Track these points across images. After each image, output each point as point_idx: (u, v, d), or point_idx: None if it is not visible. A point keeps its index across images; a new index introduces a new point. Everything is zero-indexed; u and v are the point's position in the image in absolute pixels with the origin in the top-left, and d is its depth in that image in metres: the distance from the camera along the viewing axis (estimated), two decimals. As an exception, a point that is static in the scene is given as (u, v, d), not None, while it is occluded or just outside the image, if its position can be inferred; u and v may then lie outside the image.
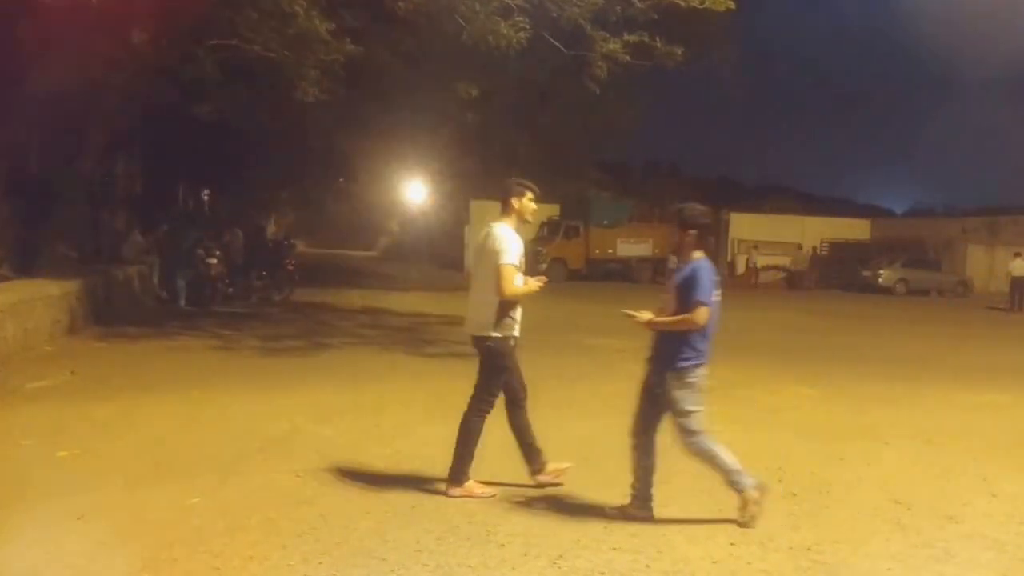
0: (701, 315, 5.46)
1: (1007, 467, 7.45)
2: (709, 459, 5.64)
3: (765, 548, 5.24)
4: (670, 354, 5.59)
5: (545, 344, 14.70)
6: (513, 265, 5.96)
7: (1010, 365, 14.53)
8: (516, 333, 6.09)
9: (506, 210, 6.23)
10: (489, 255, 6.01)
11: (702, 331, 5.54)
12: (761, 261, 38.28)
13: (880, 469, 7.27)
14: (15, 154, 13.96)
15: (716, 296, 5.56)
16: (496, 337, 6.01)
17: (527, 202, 6.26)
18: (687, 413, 5.58)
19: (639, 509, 5.72)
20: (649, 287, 34.77)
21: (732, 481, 5.62)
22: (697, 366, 5.57)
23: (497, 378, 6.11)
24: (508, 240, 6.02)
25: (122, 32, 12.89)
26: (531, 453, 6.33)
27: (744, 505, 5.60)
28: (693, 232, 5.67)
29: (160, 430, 7.80)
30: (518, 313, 6.11)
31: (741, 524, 5.56)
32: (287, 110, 18.18)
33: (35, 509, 5.54)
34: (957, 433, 8.80)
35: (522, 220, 6.26)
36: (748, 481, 5.62)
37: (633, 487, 5.77)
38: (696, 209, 5.81)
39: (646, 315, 5.73)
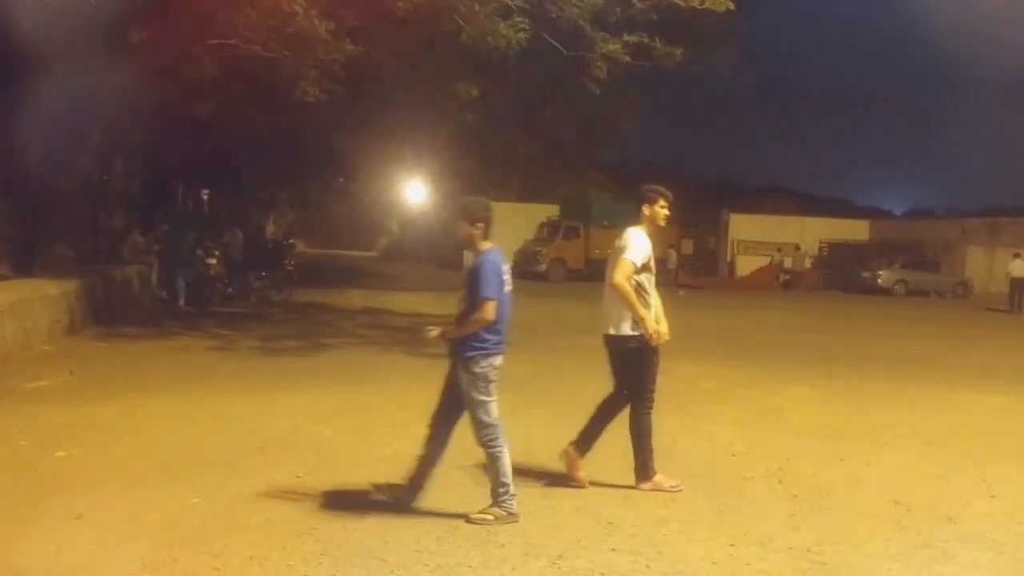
0: (489, 311, 5.51)
1: (1007, 468, 7.47)
2: (492, 459, 5.63)
3: (765, 549, 5.25)
4: (461, 345, 5.63)
5: (544, 344, 14.71)
6: (633, 262, 6.13)
7: (1009, 366, 14.56)
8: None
9: (639, 216, 6.41)
10: (616, 253, 6.20)
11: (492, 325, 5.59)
12: (786, 262, 38.43)
13: (880, 470, 7.28)
14: (13, 154, 13.95)
15: (508, 287, 5.65)
16: (630, 335, 6.21)
17: (659, 208, 6.43)
18: (478, 403, 5.61)
19: (407, 493, 5.74)
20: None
21: (497, 491, 5.60)
22: (487, 356, 5.60)
23: (648, 373, 6.30)
24: (636, 240, 6.22)
25: (121, 31, 12.89)
26: (587, 447, 6.49)
27: (487, 512, 5.56)
28: (480, 225, 5.75)
29: (159, 430, 7.82)
30: (650, 312, 6.25)
31: (469, 519, 5.52)
32: (286, 110, 18.18)
33: (34, 509, 5.53)
34: (957, 434, 8.83)
35: (655, 226, 6.42)
36: (510, 502, 5.57)
37: (411, 472, 5.80)
38: (480, 202, 5.94)
39: (436, 331, 5.80)
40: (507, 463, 5.63)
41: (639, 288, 6.20)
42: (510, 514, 5.54)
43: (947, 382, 12.28)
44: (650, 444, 6.36)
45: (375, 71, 17.08)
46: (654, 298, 6.36)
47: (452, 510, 5.69)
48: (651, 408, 6.38)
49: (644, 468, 6.34)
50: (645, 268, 6.22)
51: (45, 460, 6.68)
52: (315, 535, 5.19)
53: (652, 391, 6.36)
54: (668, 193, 6.46)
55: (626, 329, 6.20)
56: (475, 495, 6.02)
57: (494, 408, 5.65)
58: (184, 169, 27.54)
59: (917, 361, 14.73)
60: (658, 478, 6.34)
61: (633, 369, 6.33)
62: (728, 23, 20.12)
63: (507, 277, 5.72)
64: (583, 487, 6.34)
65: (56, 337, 12.69)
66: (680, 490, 6.31)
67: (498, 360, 5.66)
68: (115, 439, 7.42)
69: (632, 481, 6.39)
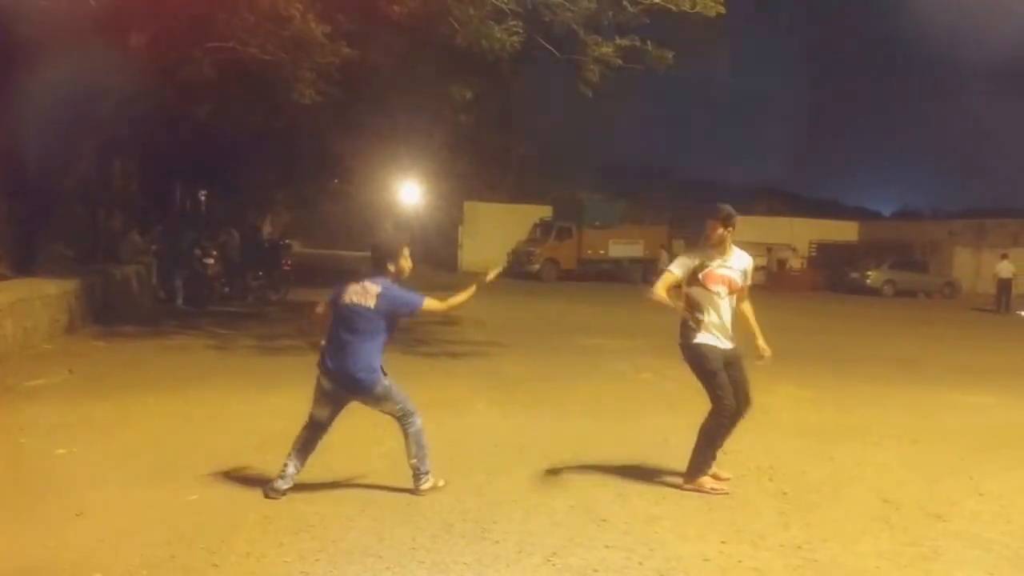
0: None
1: (994, 466, 7.54)
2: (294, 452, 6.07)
3: (756, 546, 5.31)
4: None
5: (540, 344, 14.79)
6: (671, 272, 6.39)
7: (996, 366, 14.65)
8: (706, 340, 6.35)
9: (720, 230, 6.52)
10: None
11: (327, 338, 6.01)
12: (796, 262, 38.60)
13: (869, 469, 7.35)
14: (13, 154, 13.98)
15: (343, 301, 5.96)
16: (682, 343, 6.43)
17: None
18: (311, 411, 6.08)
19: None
20: (639, 287, 34.89)
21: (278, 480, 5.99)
22: (321, 371, 5.98)
23: (713, 380, 6.33)
24: (682, 256, 6.54)
25: (120, 34, 12.94)
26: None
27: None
28: None
29: (158, 428, 7.86)
30: (703, 321, 6.34)
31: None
32: (283, 112, 18.23)
33: (34, 506, 5.58)
34: (945, 433, 8.89)
35: (710, 244, 6.50)
36: (282, 483, 5.96)
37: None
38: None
39: None
40: (294, 466, 6.04)
41: (691, 299, 6.36)
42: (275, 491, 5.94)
43: (936, 382, 12.37)
44: (710, 452, 6.45)
45: (371, 73, 17.16)
46: (720, 312, 6.38)
47: (447, 509, 5.77)
48: (726, 417, 6.34)
49: (695, 471, 6.40)
50: (695, 281, 6.36)
51: (45, 458, 6.73)
52: (312, 532, 5.25)
53: (726, 399, 6.30)
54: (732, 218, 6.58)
55: (679, 337, 6.40)
56: (470, 494, 6.11)
57: (312, 416, 6.11)
58: (182, 170, 27.56)
59: (906, 361, 14.81)
60: (701, 480, 6.41)
61: (701, 375, 6.40)
62: (719, 26, 20.21)
63: (346, 294, 5.99)
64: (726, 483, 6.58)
65: (56, 336, 12.74)
66: (725, 492, 6.37)
67: (323, 379, 5.98)
68: (114, 437, 7.47)
69: (625, 480, 6.54)
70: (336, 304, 5.95)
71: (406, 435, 6.05)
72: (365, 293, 5.88)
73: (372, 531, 5.32)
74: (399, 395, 6.02)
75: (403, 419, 6.04)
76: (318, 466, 6.68)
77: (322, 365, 5.91)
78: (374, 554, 4.96)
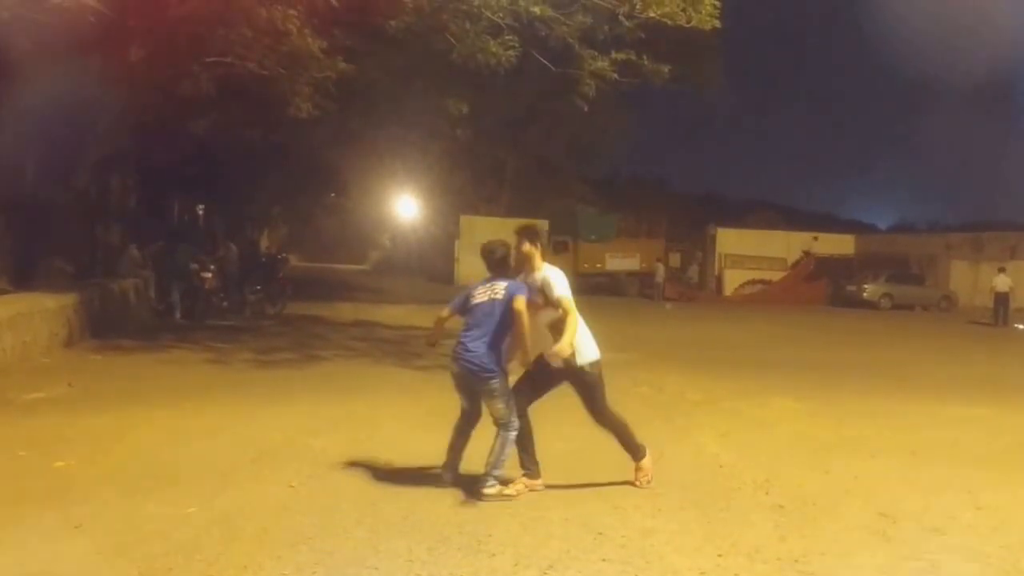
0: None
1: (991, 480, 7.51)
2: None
3: (753, 559, 5.30)
4: None
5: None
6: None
7: (994, 379, 14.64)
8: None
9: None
10: None
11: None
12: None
13: (866, 482, 7.33)
14: (12, 169, 14.02)
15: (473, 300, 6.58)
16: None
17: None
18: None
19: None
20: (636, 300, 34.99)
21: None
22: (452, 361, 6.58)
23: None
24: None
25: (119, 49, 12.98)
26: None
27: None
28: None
29: (155, 441, 7.86)
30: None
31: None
32: (280, 126, 18.30)
33: (33, 519, 5.59)
34: (942, 446, 8.87)
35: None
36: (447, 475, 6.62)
37: None
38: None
39: None
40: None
41: None
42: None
43: (932, 394, 12.33)
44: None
45: (367, 88, 17.24)
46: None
47: (443, 520, 5.77)
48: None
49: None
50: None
51: (44, 470, 6.73)
52: (309, 544, 5.25)
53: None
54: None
55: None
56: (466, 507, 6.12)
57: (461, 407, 6.78)
58: (180, 184, 27.60)
59: (902, 374, 14.79)
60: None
61: None
62: (714, 40, 20.34)
63: (474, 297, 6.59)
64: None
65: (54, 349, 12.77)
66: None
67: (452, 368, 6.65)
68: (112, 450, 7.47)
69: (621, 493, 6.58)
70: (465, 308, 6.57)
71: (496, 436, 6.45)
72: (492, 291, 6.51)
73: (368, 543, 5.32)
74: (508, 400, 6.43)
75: (502, 425, 6.44)
76: (314, 478, 6.71)
77: (453, 356, 6.49)
78: (370, 566, 4.96)
